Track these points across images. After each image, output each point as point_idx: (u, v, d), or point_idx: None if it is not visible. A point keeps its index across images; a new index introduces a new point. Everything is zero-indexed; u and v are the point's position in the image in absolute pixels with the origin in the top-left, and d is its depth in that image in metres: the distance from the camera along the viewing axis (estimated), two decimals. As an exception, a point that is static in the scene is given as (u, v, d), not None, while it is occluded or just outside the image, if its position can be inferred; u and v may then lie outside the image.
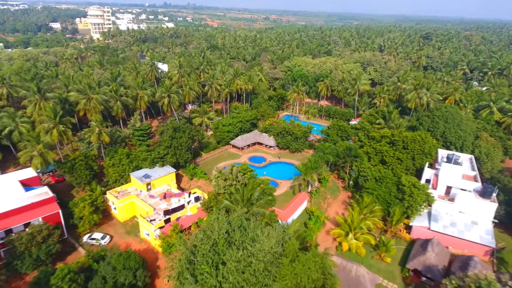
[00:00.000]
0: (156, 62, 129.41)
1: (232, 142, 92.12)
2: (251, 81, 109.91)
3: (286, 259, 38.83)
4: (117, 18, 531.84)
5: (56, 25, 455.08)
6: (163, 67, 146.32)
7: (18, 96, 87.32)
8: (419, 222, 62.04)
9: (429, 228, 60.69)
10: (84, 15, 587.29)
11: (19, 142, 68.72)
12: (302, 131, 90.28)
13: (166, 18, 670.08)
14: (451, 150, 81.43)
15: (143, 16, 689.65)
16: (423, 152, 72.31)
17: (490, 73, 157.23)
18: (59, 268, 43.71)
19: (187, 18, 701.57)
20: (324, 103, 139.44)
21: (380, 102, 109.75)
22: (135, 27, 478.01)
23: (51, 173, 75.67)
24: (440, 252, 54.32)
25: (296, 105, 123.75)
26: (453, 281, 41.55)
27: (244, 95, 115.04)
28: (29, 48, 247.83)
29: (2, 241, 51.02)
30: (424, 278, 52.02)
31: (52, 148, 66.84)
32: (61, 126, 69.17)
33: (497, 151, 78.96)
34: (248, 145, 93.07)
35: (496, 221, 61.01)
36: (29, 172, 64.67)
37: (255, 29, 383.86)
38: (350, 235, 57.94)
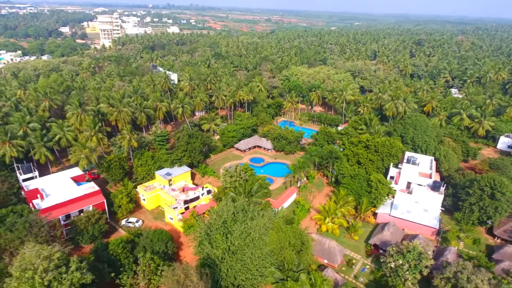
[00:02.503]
0: (167, 72, 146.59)
1: (236, 145, 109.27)
2: (252, 92, 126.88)
3: (273, 231, 56.03)
4: (123, 21, 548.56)
5: (65, 29, 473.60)
6: (173, 76, 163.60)
7: (56, 107, 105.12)
8: (383, 210, 79.12)
9: (390, 214, 77.73)
10: (91, 18, 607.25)
11: (65, 147, 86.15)
12: (294, 136, 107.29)
13: (170, 21, 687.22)
14: (418, 152, 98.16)
15: (148, 19, 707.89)
16: (390, 155, 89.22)
17: (469, 81, 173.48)
18: (113, 239, 61.05)
19: (190, 21, 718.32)
20: (317, 108, 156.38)
21: (364, 110, 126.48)
22: (141, 30, 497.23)
23: (87, 172, 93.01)
24: (394, 231, 71.34)
25: (292, 112, 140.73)
26: (394, 248, 58.73)
27: (246, 104, 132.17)
28: (46, 55, 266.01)
29: (65, 222, 68.38)
30: (381, 251, 69.00)
31: (93, 152, 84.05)
32: (99, 134, 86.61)
33: (454, 154, 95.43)
34: (249, 148, 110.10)
35: (443, 209, 77.88)
36: (77, 171, 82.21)
37: (256, 34, 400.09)
38: (328, 219, 75.02)
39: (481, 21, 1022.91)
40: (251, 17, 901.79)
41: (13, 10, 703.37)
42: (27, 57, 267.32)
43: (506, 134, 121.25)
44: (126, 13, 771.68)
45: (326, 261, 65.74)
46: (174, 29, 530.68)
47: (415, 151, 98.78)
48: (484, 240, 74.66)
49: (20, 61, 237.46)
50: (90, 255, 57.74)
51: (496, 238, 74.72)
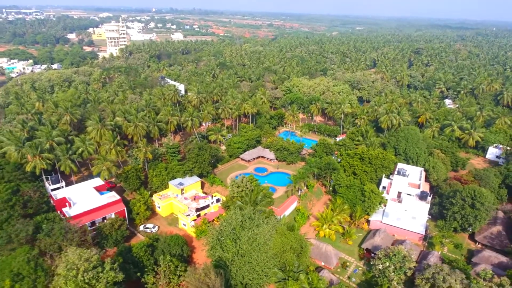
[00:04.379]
0: (174, 83, 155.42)
1: (241, 156, 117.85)
2: (255, 105, 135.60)
3: (277, 236, 64.48)
4: (128, 27, 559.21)
5: (72, 36, 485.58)
6: (180, 87, 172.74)
7: (76, 121, 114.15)
8: (375, 217, 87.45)
9: (381, 221, 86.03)
10: (97, 24, 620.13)
11: (86, 159, 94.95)
12: (295, 147, 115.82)
13: (174, 27, 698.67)
14: (410, 163, 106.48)
15: (152, 25, 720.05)
16: (383, 166, 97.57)
17: (462, 92, 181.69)
18: (136, 243, 69.57)
19: (193, 26, 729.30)
20: (318, 118, 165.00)
21: (360, 122, 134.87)
22: (146, 37, 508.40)
23: (105, 181, 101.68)
24: (385, 237, 79.64)
25: (293, 123, 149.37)
26: (382, 252, 67.06)
27: (250, 116, 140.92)
28: (56, 64, 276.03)
29: (91, 228, 76.97)
30: (372, 254, 77.18)
31: (113, 163, 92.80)
32: (118, 147, 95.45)
33: (442, 165, 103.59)
34: (254, 158, 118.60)
35: (429, 216, 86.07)
36: (98, 181, 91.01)
37: (259, 41, 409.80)
38: (325, 226, 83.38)
39: (483, 24, 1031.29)
40: (253, 22, 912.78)
41: (20, 16, 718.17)
42: (38, 66, 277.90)
43: (494, 144, 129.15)
44: (130, 18, 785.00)
45: (323, 263, 74.05)
46: (178, 36, 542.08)
47: (407, 162, 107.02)
48: (466, 245, 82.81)
49: (33, 71, 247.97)
50: (117, 257, 66.20)
51: (477, 243, 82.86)
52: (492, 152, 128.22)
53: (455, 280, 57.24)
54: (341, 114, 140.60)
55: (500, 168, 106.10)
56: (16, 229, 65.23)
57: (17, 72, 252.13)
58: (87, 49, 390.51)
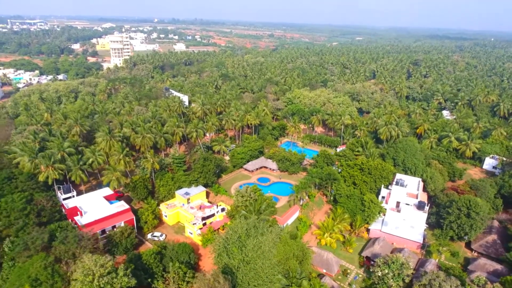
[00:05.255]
0: (178, 94, 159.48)
1: (245, 166, 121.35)
2: (258, 116, 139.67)
3: (280, 244, 67.69)
4: (131, 37, 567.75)
5: (76, 46, 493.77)
6: (184, 98, 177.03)
7: (85, 132, 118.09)
8: (374, 226, 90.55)
9: (381, 230, 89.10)
10: (100, 35, 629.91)
11: (96, 169, 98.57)
12: (297, 158, 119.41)
13: (176, 37, 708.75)
14: (408, 173, 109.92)
15: (154, 35, 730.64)
16: (382, 177, 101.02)
17: (460, 103, 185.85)
18: (146, 251, 72.71)
19: (195, 37, 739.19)
20: (319, 129, 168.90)
21: (360, 133, 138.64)
22: (149, 47, 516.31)
23: (114, 190, 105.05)
24: (384, 245, 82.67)
25: (295, 134, 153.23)
26: (381, 259, 70.16)
27: (253, 126, 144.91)
28: (62, 75, 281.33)
29: (102, 236, 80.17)
30: (372, 262, 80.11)
31: (121, 173, 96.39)
32: (126, 158, 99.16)
33: (439, 176, 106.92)
34: (257, 168, 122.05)
35: (427, 225, 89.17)
36: (108, 190, 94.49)
37: (260, 52, 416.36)
38: (326, 234, 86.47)
39: (481, 34, 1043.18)
40: (254, 32, 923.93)
41: (24, 26, 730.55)
42: (44, 76, 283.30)
43: (491, 155, 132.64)
44: (133, 29, 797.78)
45: (324, 271, 77.01)
46: (181, 46, 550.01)
47: (406, 173, 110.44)
48: (463, 253, 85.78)
49: (39, 82, 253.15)
50: (128, 263, 69.29)
51: (473, 251, 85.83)
52: (489, 162, 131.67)
53: (450, 286, 60.25)
54: (341, 125, 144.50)
55: (496, 178, 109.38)
56: (32, 237, 68.43)
57: (24, 83, 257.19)
58: (91, 59, 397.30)
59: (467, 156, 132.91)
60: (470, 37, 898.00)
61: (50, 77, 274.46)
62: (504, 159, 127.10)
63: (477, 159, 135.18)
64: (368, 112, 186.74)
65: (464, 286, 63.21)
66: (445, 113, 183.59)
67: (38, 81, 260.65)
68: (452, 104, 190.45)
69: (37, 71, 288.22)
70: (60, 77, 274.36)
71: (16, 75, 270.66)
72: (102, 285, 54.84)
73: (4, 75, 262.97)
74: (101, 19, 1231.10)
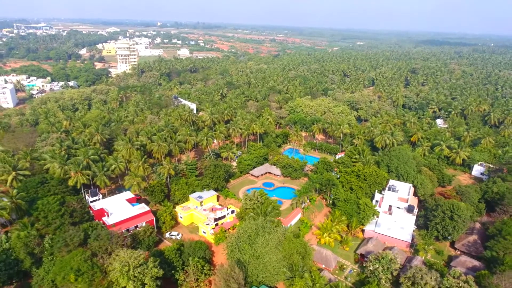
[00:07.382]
0: (186, 102, 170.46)
1: (251, 172, 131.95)
2: (263, 125, 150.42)
3: (285, 242, 78.23)
4: (136, 43, 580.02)
5: (83, 51, 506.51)
6: (192, 106, 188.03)
7: (105, 140, 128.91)
8: (369, 227, 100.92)
9: (374, 231, 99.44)
10: (105, 40, 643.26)
11: (117, 175, 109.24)
12: (299, 164, 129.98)
13: (180, 42, 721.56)
14: (400, 180, 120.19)
15: (158, 40, 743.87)
16: (376, 183, 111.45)
17: (453, 112, 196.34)
18: (168, 247, 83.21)
19: (198, 41, 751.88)
20: (319, 136, 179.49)
21: (358, 141, 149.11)
22: (154, 52, 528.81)
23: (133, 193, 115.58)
24: (376, 244, 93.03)
25: (297, 142, 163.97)
26: (373, 256, 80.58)
27: (258, 135, 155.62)
28: (72, 81, 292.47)
29: (127, 234, 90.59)
30: (365, 258, 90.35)
31: (143, 179, 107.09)
32: (145, 164, 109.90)
33: (429, 182, 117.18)
34: (262, 174, 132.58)
35: (416, 227, 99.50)
36: (129, 194, 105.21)
37: (262, 59, 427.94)
38: (325, 234, 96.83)
39: (481, 38, 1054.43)
40: (256, 37, 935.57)
41: (30, 31, 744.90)
42: (55, 83, 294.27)
43: (479, 162, 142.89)
44: (137, 33, 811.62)
45: (323, 266, 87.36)
46: (185, 51, 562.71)
47: (399, 179, 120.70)
48: (447, 252, 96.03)
49: (52, 89, 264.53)
50: (154, 258, 79.72)
51: (457, 250, 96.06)
52: (477, 169, 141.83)
53: (431, 278, 70.60)
54: (340, 133, 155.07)
55: (481, 184, 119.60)
56: (70, 234, 78.97)
57: (37, 90, 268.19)
58: (98, 65, 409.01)
59: (457, 163, 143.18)
60: (470, 41, 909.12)
61: (61, 83, 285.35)
62: (491, 166, 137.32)
63: (467, 166, 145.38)
64: (366, 120, 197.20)
65: (443, 278, 73.46)
66: (439, 121, 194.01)
67: (50, 88, 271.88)
68: (446, 113, 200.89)
69: (48, 78, 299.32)
70: (71, 83, 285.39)
71: (29, 82, 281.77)
72: (136, 275, 65.35)
73: (18, 81, 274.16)
74: (104, 22, 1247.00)
